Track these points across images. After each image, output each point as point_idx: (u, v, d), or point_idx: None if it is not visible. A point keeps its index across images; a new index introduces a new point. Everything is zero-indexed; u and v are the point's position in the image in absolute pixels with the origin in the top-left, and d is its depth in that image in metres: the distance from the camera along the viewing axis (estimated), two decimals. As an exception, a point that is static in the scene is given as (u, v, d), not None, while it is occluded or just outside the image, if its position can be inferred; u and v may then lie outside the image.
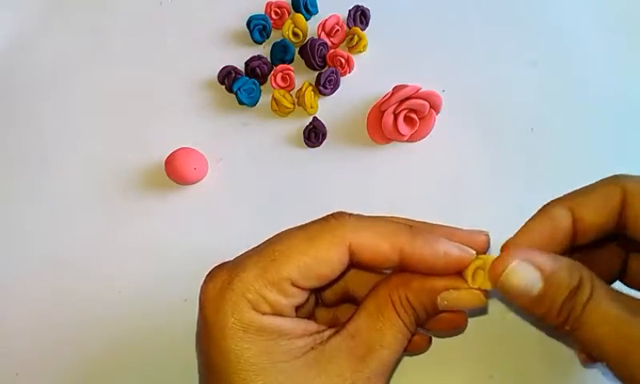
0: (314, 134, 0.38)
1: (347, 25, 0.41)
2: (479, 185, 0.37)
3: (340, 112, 0.39)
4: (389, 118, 0.36)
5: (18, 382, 0.35)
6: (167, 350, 0.35)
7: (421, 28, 0.41)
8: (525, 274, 0.22)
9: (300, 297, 0.24)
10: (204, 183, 0.39)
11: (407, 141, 0.38)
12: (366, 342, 0.24)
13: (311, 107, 0.39)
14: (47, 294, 0.37)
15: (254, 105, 0.40)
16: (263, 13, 0.42)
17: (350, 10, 0.41)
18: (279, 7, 0.42)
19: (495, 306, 0.34)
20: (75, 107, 0.42)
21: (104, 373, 0.35)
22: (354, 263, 0.24)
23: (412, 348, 0.28)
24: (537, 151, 0.37)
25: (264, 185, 0.38)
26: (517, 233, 0.26)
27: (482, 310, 0.33)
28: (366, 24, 0.41)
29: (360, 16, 0.41)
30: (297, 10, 0.42)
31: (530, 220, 0.25)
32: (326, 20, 0.40)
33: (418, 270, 0.24)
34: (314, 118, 0.38)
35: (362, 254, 0.24)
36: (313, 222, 0.24)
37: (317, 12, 0.43)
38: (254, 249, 0.25)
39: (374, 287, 0.26)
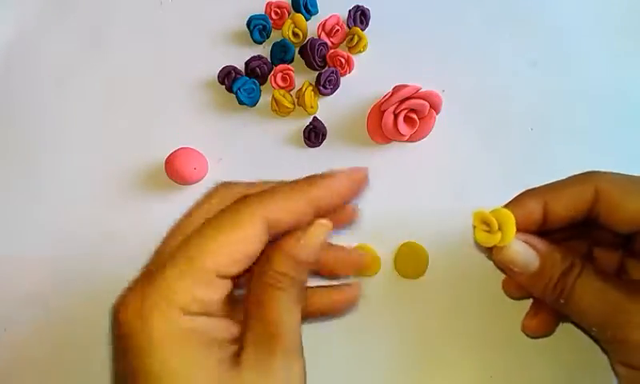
0: (314, 134, 0.38)
1: (347, 25, 0.41)
2: (479, 185, 0.37)
3: (340, 112, 0.39)
4: (389, 118, 0.36)
5: (17, 381, 0.35)
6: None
7: (421, 28, 0.41)
8: (523, 250, 0.27)
9: (226, 287, 0.24)
10: (204, 183, 0.39)
11: (407, 141, 0.38)
12: (268, 333, 0.24)
13: (311, 107, 0.39)
14: (46, 294, 0.37)
15: (254, 105, 0.40)
16: (263, 13, 0.42)
17: (350, 10, 0.41)
18: (279, 7, 0.42)
19: (495, 307, 0.34)
20: (75, 107, 0.42)
21: (102, 373, 0.35)
22: (274, 235, 0.24)
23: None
24: (537, 151, 0.37)
25: (264, 185, 0.38)
26: None
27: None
28: (366, 24, 0.41)
29: (360, 16, 0.41)
30: (297, 10, 0.42)
31: (503, 206, 0.28)
32: (326, 20, 0.40)
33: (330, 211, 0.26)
34: (314, 118, 0.38)
35: (280, 222, 0.24)
36: (220, 211, 0.24)
37: (317, 12, 0.43)
38: (160, 252, 0.25)
39: (249, 284, 0.25)
